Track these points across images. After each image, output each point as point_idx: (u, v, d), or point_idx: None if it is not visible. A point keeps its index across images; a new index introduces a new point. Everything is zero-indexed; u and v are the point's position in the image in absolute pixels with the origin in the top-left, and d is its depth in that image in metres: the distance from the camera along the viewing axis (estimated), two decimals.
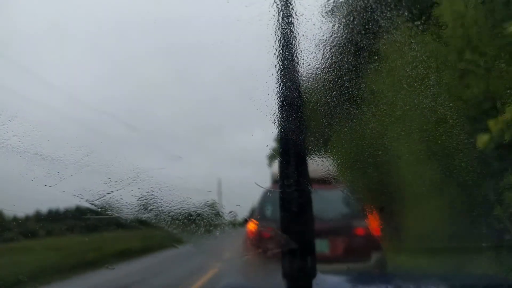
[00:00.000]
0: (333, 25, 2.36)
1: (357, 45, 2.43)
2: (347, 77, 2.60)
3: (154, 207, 3.14)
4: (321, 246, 4.28)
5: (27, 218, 3.45)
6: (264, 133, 3.38)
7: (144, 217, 3.15)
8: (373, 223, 3.97)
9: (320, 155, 3.56)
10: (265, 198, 4.51)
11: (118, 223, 3.74)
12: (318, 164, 3.47)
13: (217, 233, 3.66)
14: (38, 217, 3.62)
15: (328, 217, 4.58)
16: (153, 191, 3.11)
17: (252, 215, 4.42)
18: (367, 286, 2.41)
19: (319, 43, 2.49)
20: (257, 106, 2.82)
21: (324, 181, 3.36)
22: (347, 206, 4.27)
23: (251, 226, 4.28)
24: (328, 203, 4.54)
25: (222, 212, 3.77)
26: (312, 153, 3.67)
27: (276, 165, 4.70)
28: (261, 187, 4.52)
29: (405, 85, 2.94)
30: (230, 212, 3.91)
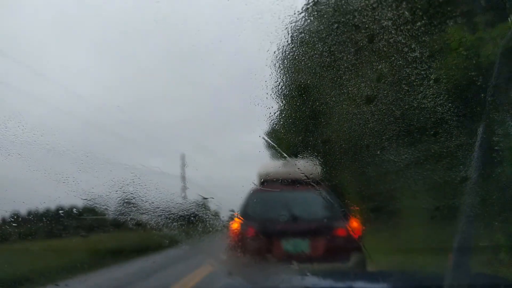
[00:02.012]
0: (332, 24, 2.35)
1: (357, 44, 2.43)
2: (347, 76, 2.60)
3: (151, 207, 3.14)
4: (302, 246, 4.33)
5: (25, 219, 3.43)
6: (261, 133, 3.38)
7: (141, 217, 3.14)
8: (354, 224, 4.01)
9: (313, 155, 3.56)
10: (250, 198, 4.54)
11: (114, 223, 3.73)
12: (308, 165, 3.48)
13: (211, 233, 3.69)
14: (36, 218, 3.60)
15: (310, 217, 4.63)
16: (150, 192, 3.10)
17: (238, 214, 4.47)
18: (363, 286, 2.41)
19: (319, 42, 2.48)
20: (256, 106, 2.82)
21: (308, 182, 3.39)
22: (329, 207, 4.31)
23: (235, 224, 4.34)
24: (310, 204, 4.58)
25: (208, 212, 3.79)
26: (305, 154, 3.66)
27: (262, 166, 4.73)
28: (259, 186, 4.53)
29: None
30: (217, 212, 3.94)
